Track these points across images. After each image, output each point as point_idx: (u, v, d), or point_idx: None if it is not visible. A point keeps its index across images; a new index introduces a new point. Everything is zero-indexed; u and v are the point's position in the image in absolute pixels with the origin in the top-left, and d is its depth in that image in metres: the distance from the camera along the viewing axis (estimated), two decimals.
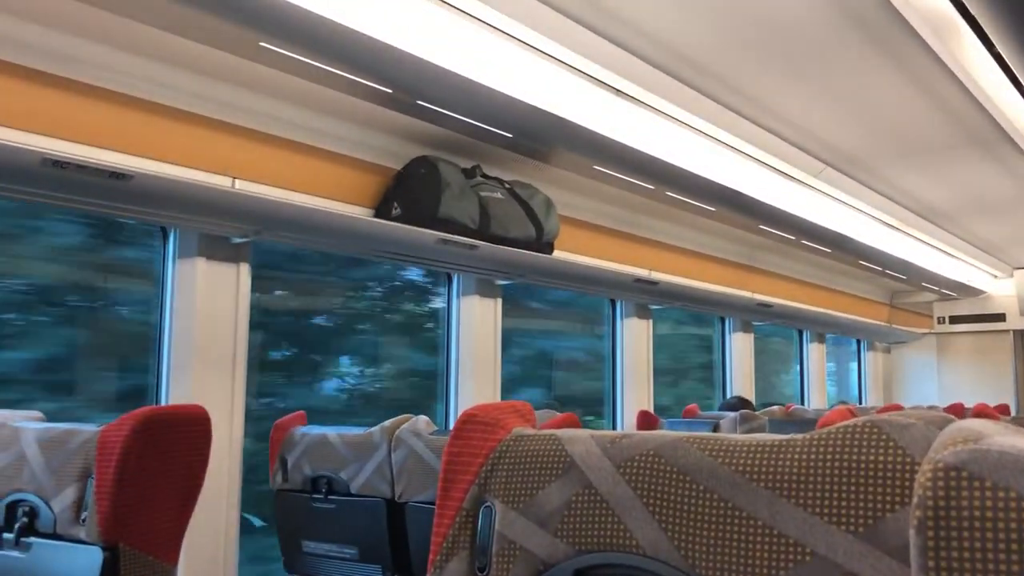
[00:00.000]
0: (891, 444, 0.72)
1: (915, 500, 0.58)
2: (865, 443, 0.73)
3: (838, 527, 0.71)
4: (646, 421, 4.07)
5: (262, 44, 2.06)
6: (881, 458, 0.71)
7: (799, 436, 0.77)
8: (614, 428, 4.31)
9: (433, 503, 2.34)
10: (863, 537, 0.70)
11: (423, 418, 2.43)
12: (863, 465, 0.72)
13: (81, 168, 1.96)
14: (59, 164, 1.93)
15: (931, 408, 4.89)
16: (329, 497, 2.47)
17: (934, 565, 0.57)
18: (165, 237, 2.52)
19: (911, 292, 6.97)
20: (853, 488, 0.72)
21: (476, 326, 3.42)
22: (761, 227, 4.30)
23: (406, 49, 2.11)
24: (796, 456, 0.75)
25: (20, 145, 1.92)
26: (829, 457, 0.74)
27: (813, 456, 0.74)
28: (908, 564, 0.68)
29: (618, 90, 2.65)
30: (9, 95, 2.04)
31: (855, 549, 0.70)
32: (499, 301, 3.53)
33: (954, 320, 7.34)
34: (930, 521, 0.57)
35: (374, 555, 2.43)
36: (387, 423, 2.45)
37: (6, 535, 1.46)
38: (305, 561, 2.56)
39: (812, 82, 2.94)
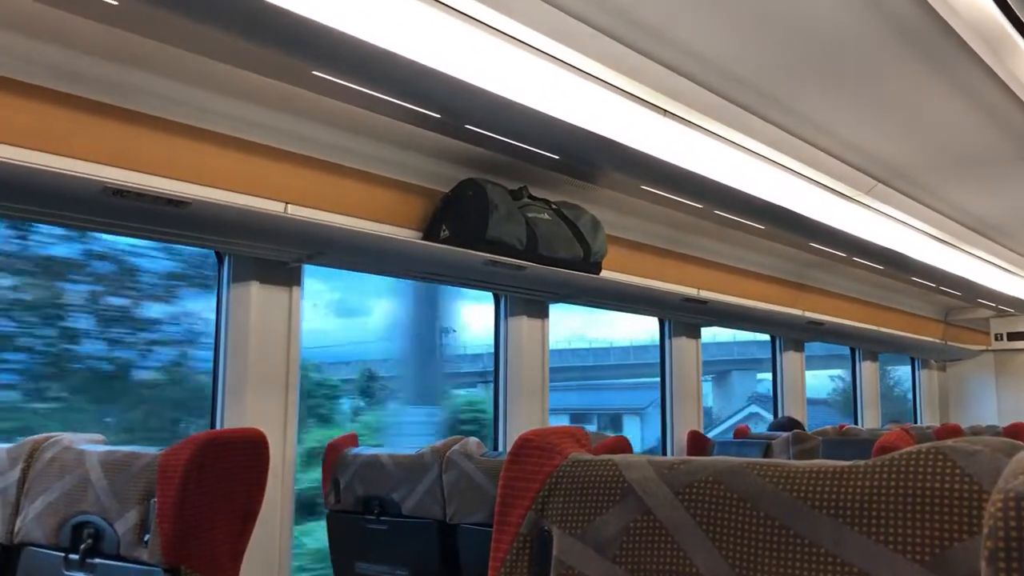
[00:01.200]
0: (957, 472, 0.70)
1: (986, 530, 0.57)
2: (931, 470, 0.72)
3: (904, 556, 0.70)
4: (696, 441, 4.03)
5: (314, 72, 2.10)
6: (947, 486, 0.70)
7: (861, 462, 0.76)
8: (664, 449, 4.27)
9: (485, 525, 2.34)
10: (930, 566, 0.69)
11: (474, 439, 2.44)
12: (929, 493, 0.71)
13: (140, 196, 2.01)
14: (119, 192, 1.98)
15: (990, 427, 4.78)
16: (381, 518, 2.49)
17: None
18: (220, 261, 2.57)
19: (967, 309, 6.82)
20: (919, 516, 0.71)
21: (524, 347, 3.42)
22: (811, 245, 4.24)
23: (454, 75, 2.13)
24: (859, 483, 0.74)
25: (82, 175, 1.98)
26: (893, 484, 0.73)
27: (877, 483, 0.74)
28: None
29: (665, 110, 2.65)
30: (71, 126, 2.11)
31: None
32: (547, 321, 3.53)
33: (1012, 337, 7.16)
34: (1001, 552, 0.56)
35: None
36: (438, 444, 2.47)
37: (72, 556, 1.50)
38: None
39: (861, 97, 2.91)
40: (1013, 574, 0.55)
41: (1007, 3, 2.24)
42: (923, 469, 0.72)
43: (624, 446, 1.78)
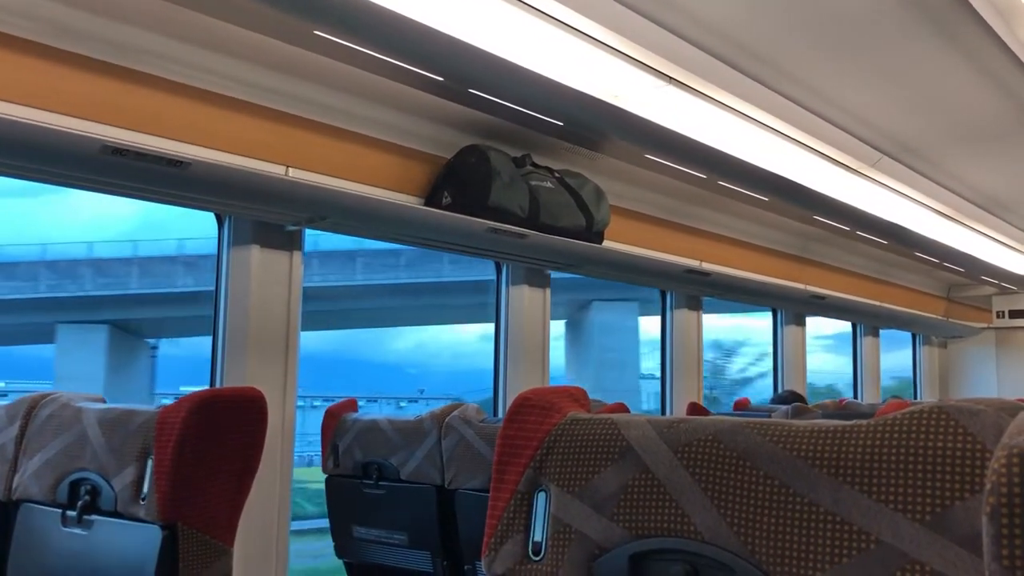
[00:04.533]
0: (960, 430, 0.70)
1: (988, 487, 0.56)
2: (933, 429, 0.71)
3: (904, 515, 0.70)
4: (695, 413, 4.03)
5: (316, 32, 2.07)
6: (950, 445, 0.69)
7: (863, 422, 0.76)
8: None
9: (483, 490, 2.35)
10: (930, 525, 0.69)
11: (473, 405, 2.44)
12: (931, 452, 0.70)
13: (139, 155, 2.00)
14: (118, 151, 1.96)
15: None
16: (379, 483, 2.50)
17: (1008, 553, 0.55)
18: (220, 224, 2.56)
19: (969, 285, 6.80)
20: (920, 475, 0.70)
21: (525, 315, 3.42)
22: (815, 218, 4.22)
23: (458, 36, 2.11)
24: (860, 442, 0.74)
25: (81, 132, 1.96)
26: (895, 443, 0.72)
27: (878, 442, 0.73)
28: (977, 553, 0.66)
29: (671, 77, 2.62)
30: (70, 84, 2.08)
31: (922, 537, 0.69)
32: (548, 291, 3.52)
33: (1014, 314, 7.15)
34: (1004, 508, 0.55)
35: (423, 541, 2.44)
36: (437, 410, 2.47)
37: (69, 512, 1.50)
38: (355, 546, 2.59)
39: (869, 68, 2.87)
40: (1015, 530, 0.55)
41: None
42: (925, 428, 0.71)
43: (623, 412, 1.78)
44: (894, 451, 0.72)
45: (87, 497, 1.48)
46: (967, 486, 0.68)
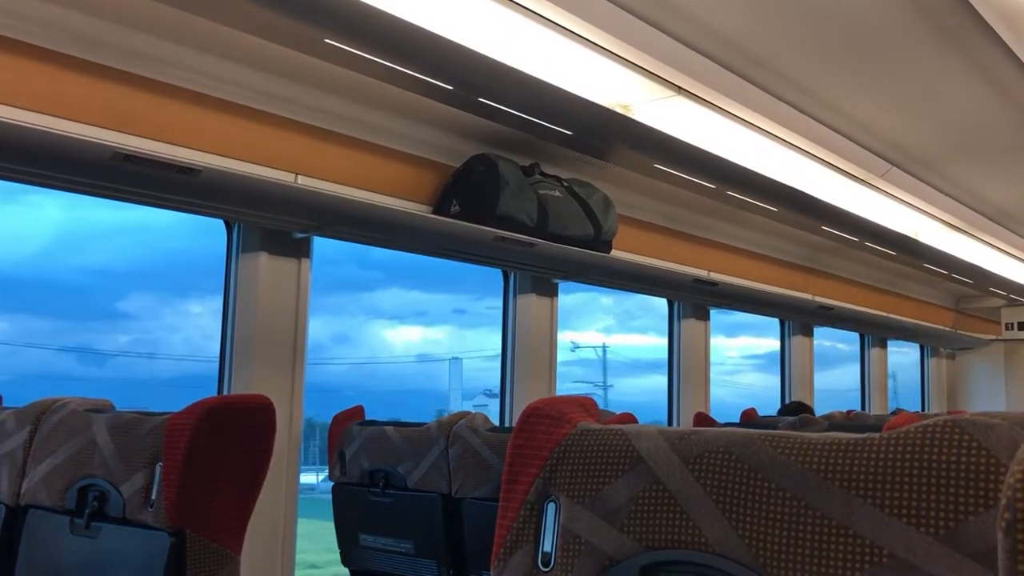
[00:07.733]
0: (974, 445, 0.69)
1: (1004, 502, 0.56)
2: (947, 443, 0.70)
3: (917, 529, 0.69)
4: (703, 423, 4.02)
5: (326, 41, 2.08)
6: (964, 459, 0.69)
7: (875, 435, 0.75)
8: None
9: (489, 499, 2.34)
10: (943, 539, 0.68)
11: (480, 414, 2.44)
12: (944, 466, 0.70)
13: (150, 162, 2.01)
14: (129, 158, 1.97)
15: None
16: (386, 491, 2.49)
17: (1023, 569, 0.55)
18: (229, 231, 2.57)
19: (978, 297, 6.78)
20: (934, 489, 0.70)
21: (532, 324, 3.41)
22: (823, 228, 4.21)
23: (468, 46, 2.11)
24: (873, 455, 0.73)
25: (92, 139, 1.97)
26: (908, 457, 0.72)
27: (891, 455, 0.72)
28: (990, 568, 0.65)
29: (680, 87, 2.62)
30: (82, 90, 2.10)
31: (935, 551, 0.68)
32: (555, 299, 3.52)
33: (1023, 327, 7.12)
34: (1019, 524, 0.55)
35: (430, 550, 2.44)
36: (444, 418, 2.47)
37: (77, 519, 1.50)
38: (361, 554, 2.59)
39: (879, 79, 2.87)
40: None
41: None
42: (939, 442, 0.71)
43: (632, 421, 1.77)
44: (907, 464, 0.71)
45: (95, 503, 1.48)
46: (981, 500, 0.67)
